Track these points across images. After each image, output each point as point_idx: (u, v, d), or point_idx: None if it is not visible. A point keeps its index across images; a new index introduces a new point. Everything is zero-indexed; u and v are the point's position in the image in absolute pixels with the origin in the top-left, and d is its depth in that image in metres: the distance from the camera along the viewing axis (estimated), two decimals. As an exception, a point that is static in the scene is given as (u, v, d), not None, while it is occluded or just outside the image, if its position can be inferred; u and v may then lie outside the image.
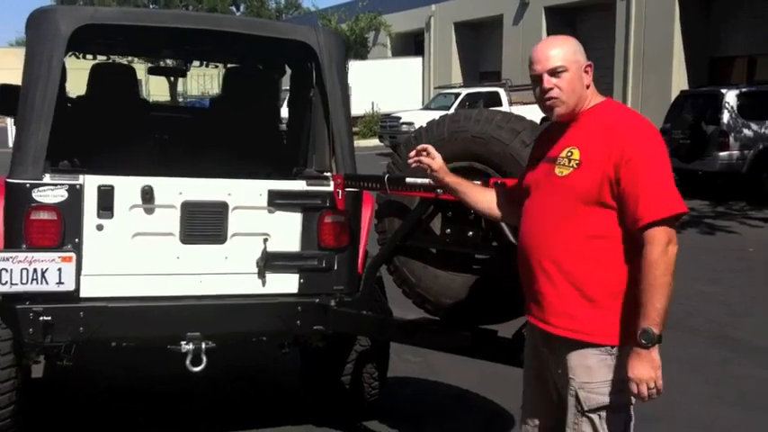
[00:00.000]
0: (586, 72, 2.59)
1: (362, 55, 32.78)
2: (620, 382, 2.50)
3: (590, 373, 2.53)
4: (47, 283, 3.37)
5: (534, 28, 24.93)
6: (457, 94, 22.52)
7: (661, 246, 2.36)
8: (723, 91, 13.56)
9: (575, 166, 2.51)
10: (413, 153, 3.05)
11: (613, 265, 2.48)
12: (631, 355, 2.41)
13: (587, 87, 2.59)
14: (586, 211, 2.48)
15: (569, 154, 2.54)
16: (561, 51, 2.56)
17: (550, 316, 2.58)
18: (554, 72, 2.54)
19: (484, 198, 2.96)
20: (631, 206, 2.40)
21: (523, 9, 26.12)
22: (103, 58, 5.48)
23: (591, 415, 2.53)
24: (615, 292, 2.49)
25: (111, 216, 3.52)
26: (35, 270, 3.36)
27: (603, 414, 2.53)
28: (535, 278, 2.60)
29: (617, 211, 2.45)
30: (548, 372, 2.71)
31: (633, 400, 2.53)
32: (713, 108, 13.32)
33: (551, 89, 2.54)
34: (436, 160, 3.00)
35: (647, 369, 2.39)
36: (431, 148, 3.02)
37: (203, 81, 40.18)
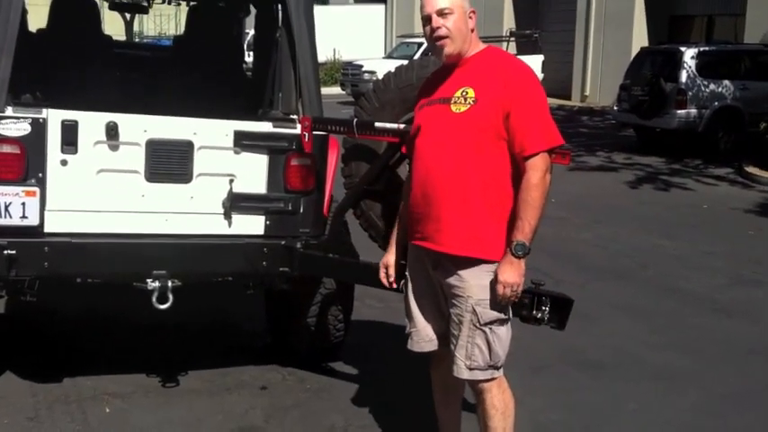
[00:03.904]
0: (470, 18, 2.90)
1: (323, 0, 32.19)
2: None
3: (485, 290, 2.84)
4: (10, 216, 3.36)
5: (499, -17, 24.74)
6: (420, 44, 22.27)
7: (541, 172, 2.75)
8: (682, 49, 13.64)
9: (471, 102, 2.82)
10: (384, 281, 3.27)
11: (502, 190, 2.83)
12: (504, 262, 2.78)
13: (472, 31, 2.90)
14: (481, 142, 2.80)
15: (464, 93, 2.85)
16: None
17: (448, 238, 2.85)
18: (441, 13, 2.84)
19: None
20: (519, 138, 2.77)
21: (489, -37, 25.83)
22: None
23: (484, 328, 2.86)
24: (503, 214, 2.83)
25: (76, 151, 3.48)
26: (-2, 204, 3.33)
27: (494, 326, 2.87)
28: (434, 204, 2.86)
29: (506, 142, 2.80)
30: (437, 289, 2.99)
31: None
32: (672, 66, 13.41)
33: (440, 28, 2.84)
34: (393, 264, 3.22)
35: (515, 275, 2.77)
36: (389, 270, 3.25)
37: (160, 21, 39.19)
